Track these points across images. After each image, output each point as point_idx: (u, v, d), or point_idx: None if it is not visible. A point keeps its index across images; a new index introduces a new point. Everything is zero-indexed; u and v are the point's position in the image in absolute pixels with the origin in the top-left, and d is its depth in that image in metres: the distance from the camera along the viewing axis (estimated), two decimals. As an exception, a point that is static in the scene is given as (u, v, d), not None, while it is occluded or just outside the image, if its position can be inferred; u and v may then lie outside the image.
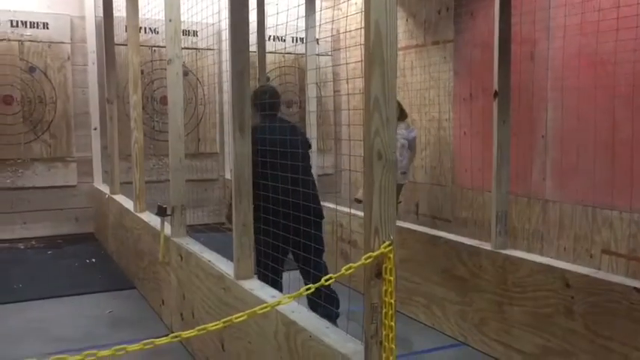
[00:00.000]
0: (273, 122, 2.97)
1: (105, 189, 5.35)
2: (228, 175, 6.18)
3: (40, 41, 5.57)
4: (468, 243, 3.04)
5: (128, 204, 4.44)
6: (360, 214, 3.73)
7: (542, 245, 3.87)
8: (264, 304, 1.56)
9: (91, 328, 3.36)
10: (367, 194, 1.49)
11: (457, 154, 4.90)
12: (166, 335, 1.49)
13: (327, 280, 1.52)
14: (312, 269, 2.82)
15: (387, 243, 1.47)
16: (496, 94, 2.85)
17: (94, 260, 4.93)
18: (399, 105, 4.66)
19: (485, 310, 2.87)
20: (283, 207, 2.71)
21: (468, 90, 4.75)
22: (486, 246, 2.91)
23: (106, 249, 5.16)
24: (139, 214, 4.04)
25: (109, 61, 5.12)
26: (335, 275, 1.52)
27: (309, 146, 3.16)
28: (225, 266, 2.52)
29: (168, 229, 3.15)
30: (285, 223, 2.68)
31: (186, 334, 1.43)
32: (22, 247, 5.42)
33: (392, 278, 1.46)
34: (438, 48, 5.17)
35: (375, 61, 1.46)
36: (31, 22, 5.56)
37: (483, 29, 4.59)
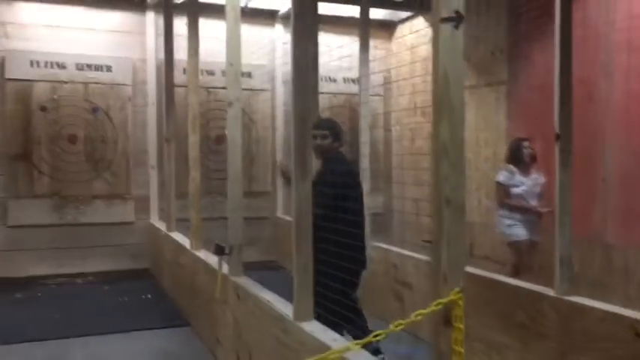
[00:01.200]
0: (342, 157, 3.02)
1: (161, 226, 5.32)
2: (279, 213, 6.19)
3: (104, 83, 5.71)
4: (529, 288, 2.92)
5: (184, 241, 4.39)
6: (415, 255, 3.72)
7: (606, 292, 3.72)
8: (333, 350, 1.51)
9: (147, 365, 3.23)
10: (436, 240, 1.46)
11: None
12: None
13: (396, 326, 1.47)
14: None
15: (457, 290, 1.44)
16: (557, 136, 2.77)
17: (149, 296, 4.96)
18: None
19: (549, 359, 2.74)
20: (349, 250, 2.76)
21: (522, 132, 4.66)
22: (549, 292, 2.79)
23: (162, 285, 5.17)
24: (194, 252, 4.00)
25: (168, 102, 5.12)
26: (404, 321, 1.48)
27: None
28: (284, 307, 2.49)
29: (225, 267, 3.15)
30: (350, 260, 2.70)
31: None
32: (80, 282, 5.48)
33: (462, 326, 1.42)
34: (490, 89, 5.11)
35: (443, 108, 1.46)
36: (95, 65, 5.71)
37: (540, 71, 4.50)
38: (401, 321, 1.49)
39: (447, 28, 1.48)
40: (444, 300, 1.44)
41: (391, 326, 1.49)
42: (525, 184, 4.29)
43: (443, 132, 1.46)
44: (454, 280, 1.44)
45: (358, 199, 2.99)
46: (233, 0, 3.16)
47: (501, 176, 4.36)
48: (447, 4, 1.48)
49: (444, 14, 1.48)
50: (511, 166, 4.34)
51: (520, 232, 4.27)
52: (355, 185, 3.01)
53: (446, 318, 1.46)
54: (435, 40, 1.48)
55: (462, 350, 1.42)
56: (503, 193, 4.31)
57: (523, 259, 4.26)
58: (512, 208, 4.25)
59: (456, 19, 1.47)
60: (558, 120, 2.75)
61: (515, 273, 4.05)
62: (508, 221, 4.30)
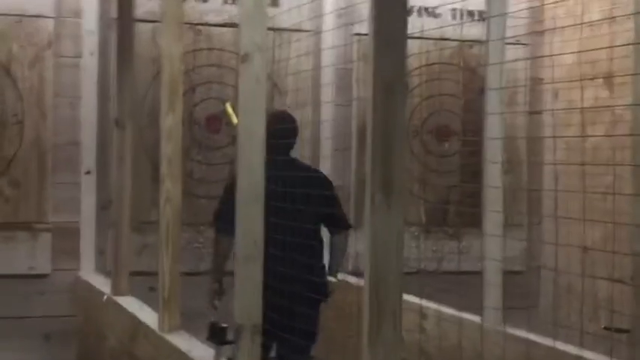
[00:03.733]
0: (286, 165, 3.22)
1: (101, 284, 4.21)
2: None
3: (4, 14, 4.38)
4: None
5: (146, 316, 3.57)
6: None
7: None
8: None
9: None
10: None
11: None
12: None
13: None
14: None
15: None
16: None
17: None
18: None
19: None
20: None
21: None
22: None
23: (99, 396, 4.27)
24: (166, 336, 3.19)
25: (122, 51, 3.97)
26: None
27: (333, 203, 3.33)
28: None
29: None
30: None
31: None
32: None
33: None
34: None
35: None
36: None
37: None
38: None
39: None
40: None
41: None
42: None
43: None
44: None
45: None
46: None
47: None
48: None
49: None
50: None
51: None
52: None
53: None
54: None
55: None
56: None
57: None
58: None
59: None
60: None
61: None
62: None
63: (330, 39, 4.62)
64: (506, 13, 3.46)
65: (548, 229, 4.61)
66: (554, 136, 4.55)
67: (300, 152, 4.70)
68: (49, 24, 4.34)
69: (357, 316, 2.45)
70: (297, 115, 4.63)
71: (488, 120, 3.47)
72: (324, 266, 3.38)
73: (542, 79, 4.65)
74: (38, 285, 4.34)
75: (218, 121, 4.52)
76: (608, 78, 4.40)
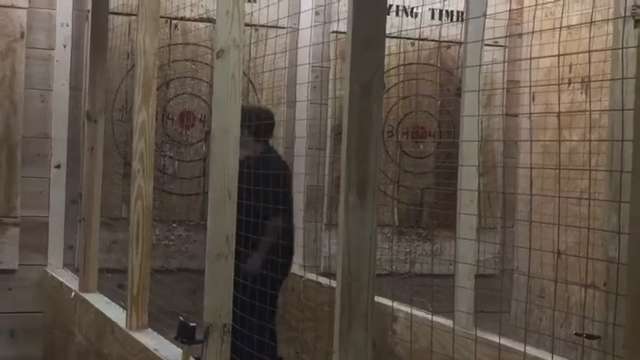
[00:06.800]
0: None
1: (69, 280, 4.15)
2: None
3: None
4: None
5: (114, 313, 3.57)
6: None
7: None
8: None
9: None
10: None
11: None
12: None
13: None
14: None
15: None
16: None
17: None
18: None
19: None
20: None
21: None
22: None
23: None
24: (134, 334, 3.19)
25: (97, 44, 3.93)
26: None
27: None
28: None
29: None
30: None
31: None
32: None
33: None
34: None
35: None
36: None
37: None
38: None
39: None
40: None
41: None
42: None
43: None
44: None
45: None
46: None
47: None
48: None
49: None
50: None
51: None
52: None
53: None
54: None
55: None
56: None
57: None
58: None
59: None
60: None
61: None
62: None
63: (307, 36, 4.52)
64: (484, 15, 3.40)
65: (522, 232, 4.60)
66: (530, 140, 4.52)
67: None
68: (22, 15, 4.21)
69: (328, 317, 2.39)
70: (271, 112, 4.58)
71: (464, 122, 3.43)
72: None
73: (518, 82, 4.63)
74: (5, 280, 4.26)
75: (191, 116, 4.47)
76: (585, 82, 4.35)
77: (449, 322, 3.26)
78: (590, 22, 3.73)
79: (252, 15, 4.21)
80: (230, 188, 2.59)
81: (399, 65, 4.59)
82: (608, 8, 4.02)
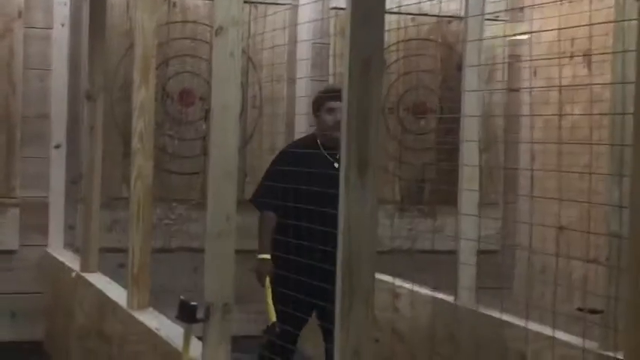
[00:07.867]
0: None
1: (70, 260, 4.14)
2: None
3: None
4: None
5: (115, 293, 3.54)
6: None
7: None
8: None
9: None
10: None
11: None
12: None
13: None
14: None
15: None
16: None
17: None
18: None
19: None
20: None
21: None
22: None
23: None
24: (135, 314, 3.17)
25: (95, 23, 3.90)
26: None
27: None
28: None
29: (197, 346, 2.59)
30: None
31: None
32: None
33: None
34: None
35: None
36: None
37: None
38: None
39: None
40: None
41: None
42: None
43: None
44: None
45: None
46: None
47: None
48: None
49: None
50: None
51: None
52: None
53: None
54: None
55: None
56: None
57: None
58: None
59: None
60: None
61: None
62: None
63: (307, 13, 4.50)
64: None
65: (523, 208, 4.60)
66: (531, 114, 4.48)
67: (275, 128, 4.69)
68: (20, -6, 4.26)
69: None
70: (271, 90, 4.61)
71: (466, 97, 3.42)
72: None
73: (520, 57, 4.58)
74: (5, 261, 4.32)
75: (191, 94, 4.46)
76: (587, 56, 4.32)
77: (451, 299, 3.25)
78: (592, -5, 3.70)
79: (250, -9, 4.18)
80: (229, 167, 2.54)
81: (399, 41, 4.57)
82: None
